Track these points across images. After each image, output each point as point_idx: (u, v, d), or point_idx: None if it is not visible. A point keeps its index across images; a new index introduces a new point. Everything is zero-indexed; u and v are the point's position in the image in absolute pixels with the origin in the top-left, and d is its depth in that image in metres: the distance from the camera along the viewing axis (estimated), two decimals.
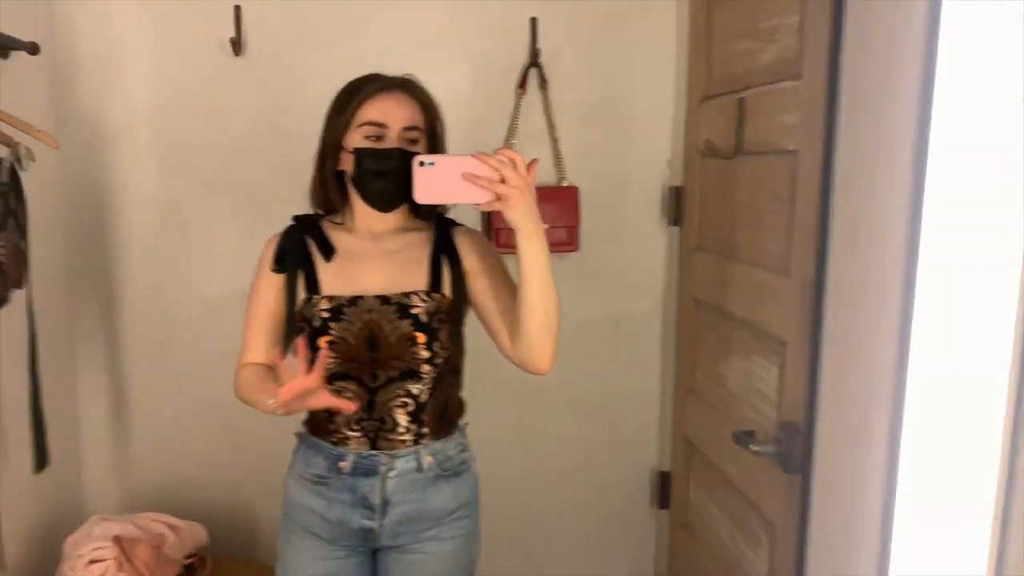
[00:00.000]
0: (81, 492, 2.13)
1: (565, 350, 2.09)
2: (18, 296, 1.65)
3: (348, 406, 1.24)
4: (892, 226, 0.89)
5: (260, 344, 1.39)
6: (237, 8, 1.94)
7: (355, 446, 1.35)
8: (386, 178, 1.29)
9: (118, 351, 2.11)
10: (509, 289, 1.34)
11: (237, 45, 1.95)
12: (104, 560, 1.70)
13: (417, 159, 1.20)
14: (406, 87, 1.35)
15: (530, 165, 1.21)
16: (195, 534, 1.90)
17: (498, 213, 1.21)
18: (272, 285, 1.39)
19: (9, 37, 1.69)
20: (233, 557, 2.06)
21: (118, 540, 1.73)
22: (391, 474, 1.35)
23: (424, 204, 1.28)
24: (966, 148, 0.83)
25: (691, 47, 1.98)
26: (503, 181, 1.17)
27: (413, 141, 1.33)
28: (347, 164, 1.34)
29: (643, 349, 2.19)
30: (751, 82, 1.62)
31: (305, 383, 1.17)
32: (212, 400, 2.09)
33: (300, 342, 1.22)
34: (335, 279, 1.35)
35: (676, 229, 2.10)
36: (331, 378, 1.32)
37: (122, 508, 2.11)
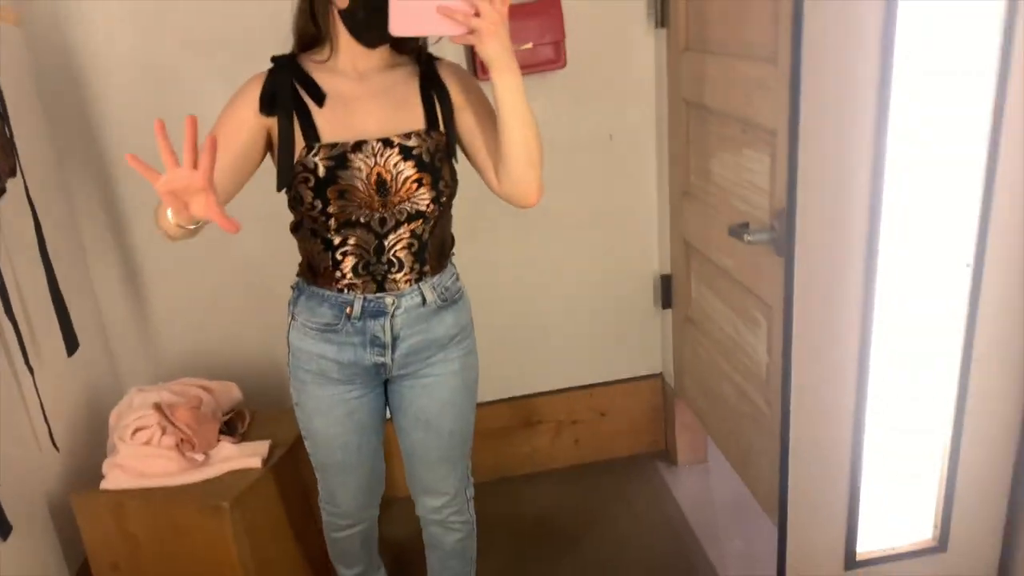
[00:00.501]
0: (113, 369, 2.21)
1: (562, 168, 2.16)
2: (13, 185, 1.66)
3: (229, 227, 1.07)
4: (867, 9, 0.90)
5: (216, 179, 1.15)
6: None
7: (361, 291, 1.38)
8: (380, 12, 1.22)
9: (122, 226, 2.11)
10: (494, 123, 1.33)
11: None
12: (148, 427, 1.77)
13: None
14: None
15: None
16: (229, 392, 1.97)
17: None
18: (248, 125, 1.31)
19: None
20: (268, 406, 2.15)
21: (158, 407, 1.80)
22: (398, 311, 1.40)
23: (400, 37, 1.26)
24: None
25: None
26: (477, 15, 1.17)
27: None
28: None
29: (638, 158, 2.22)
30: None
31: (190, 178, 1.05)
32: (223, 260, 2.14)
33: (189, 121, 1.04)
34: (333, 125, 1.32)
35: (663, 31, 2.06)
36: (340, 227, 1.33)
37: (155, 379, 2.18)
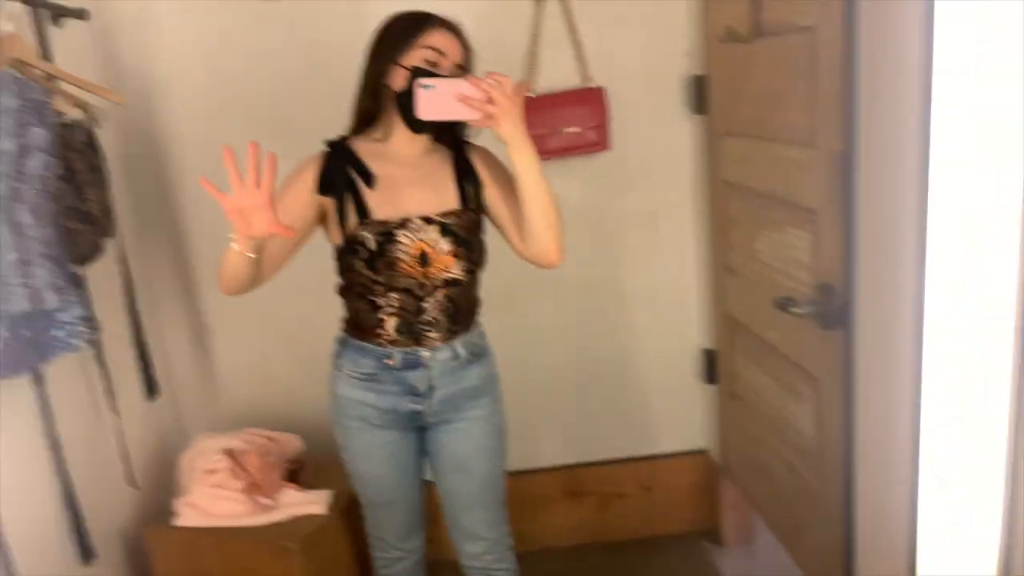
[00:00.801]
0: (179, 416, 2.36)
1: (606, 243, 2.27)
2: (110, 246, 1.83)
3: (286, 232, 1.30)
4: (910, 91, 0.99)
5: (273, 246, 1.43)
6: None
7: (401, 345, 1.54)
8: None
9: (193, 289, 2.29)
10: (515, 196, 1.49)
11: None
12: (219, 471, 1.92)
13: (419, 81, 1.39)
14: (459, 32, 1.50)
15: (517, 86, 1.39)
16: (292, 443, 2.12)
17: None
18: (303, 200, 1.49)
19: (60, 5, 1.80)
20: (327, 456, 2.26)
21: (229, 452, 1.94)
22: (433, 364, 1.56)
23: (426, 121, 1.43)
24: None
25: None
26: (491, 101, 1.35)
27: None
28: (399, 80, 1.46)
29: (679, 235, 2.32)
30: None
31: (253, 195, 1.26)
32: (285, 322, 2.29)
33: (252, 146, 1.25)
34: (382, 204, 1.50)
35: (700, 117, 2.18)
36: (386, 291, 1.51)
37: (216, 428, 2.31)
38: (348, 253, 1.51)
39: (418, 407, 1.59)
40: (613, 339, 2.38)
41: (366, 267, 1.49)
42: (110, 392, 1.87)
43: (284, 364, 2.34)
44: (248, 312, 2.28)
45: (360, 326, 1.57)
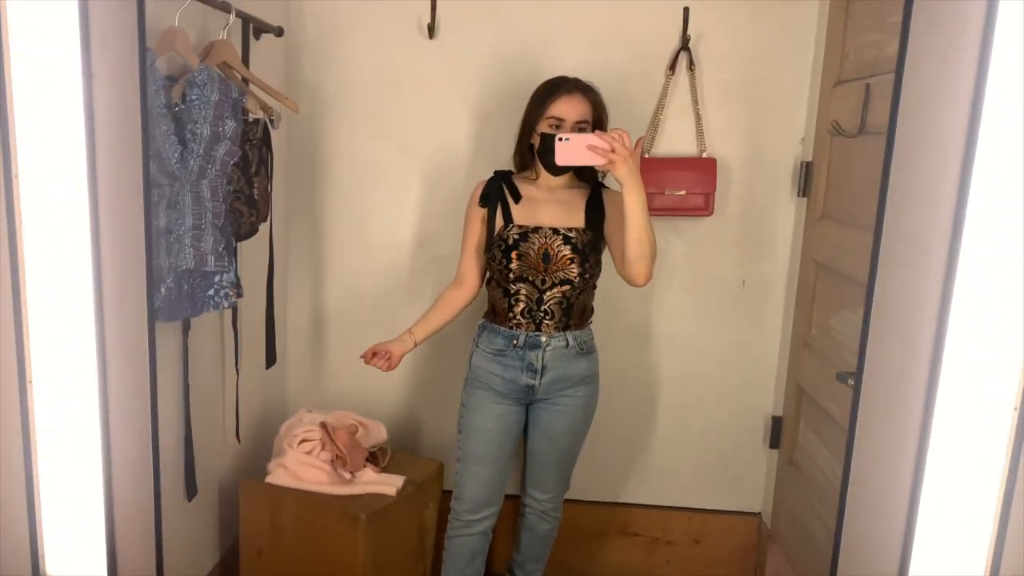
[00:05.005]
0: (285, 391, 2.64)
1: (697, 301, 2.43)
2: (263, 228, 2.13)
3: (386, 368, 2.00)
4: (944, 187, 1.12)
5: (470, 261, 2.04)
6: None
7: (525, 329, 1.94)
8: (552, 153, 1.81)
9: (321, 280, 2.58)
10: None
11: (432, 29, 2.35)
12: (312, 440, 2.16)
13: (558, 136, 1.79)
14: (584, 90, 1.93)
15: (636, 142, 1.79)
16: (378, 430, 2.33)
17: None
18: (478, 216, 2.01)
19: (263, 22, 2.15)
20: (403, 450, 2.51)
21: (324, 425, 2.19)
22: (548, 348, 1.96)
23: (563, 165, 1.84)
24: None
25: (828, 36, 2.19)
26: (614, 151, 1.72)
27: (582, 128, 1.90)
28: (536, 139, 1.93)
29: (766, 306, 2.44)
30: (877, 70, 1.83)
31: (384, 365, 1.98)
32: (392, 326, 2.52)
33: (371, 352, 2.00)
34: (523, 214, 1.96)
35: (803, 200, 2.33)
36: (514, 280, 1.93)
37: (317, 405, 2.58)
38: (494, 246, 1.94)
39: (533, 382, 1.97)
40: (691, 392, 2.51)
41: (502, 255, 1.92)
42: (236, 353, 2.15)
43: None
44: (363, 310, 2.56)
45: (496, 310, 2.00)
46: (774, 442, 2.44)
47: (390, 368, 1.98)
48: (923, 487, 1.10)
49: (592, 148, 1.74)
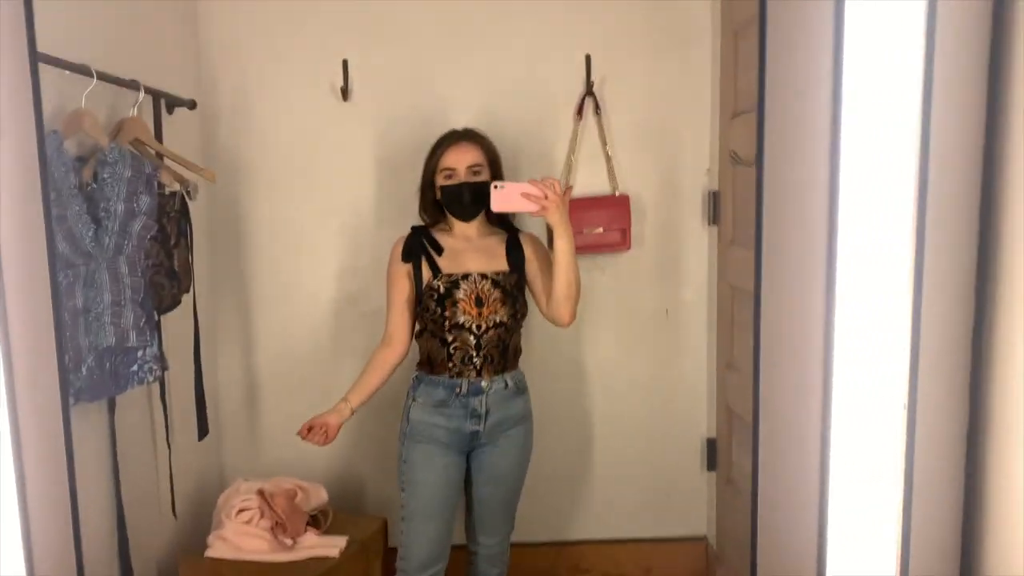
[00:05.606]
0: (221, 461, 2.59)
1: (623, 335, 2.49)
2: (186, 299, 2.12)
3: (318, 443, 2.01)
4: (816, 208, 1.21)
5: (399, 318, 2.04)
6: (345, 62, 2.38)
7: (466, 376, 1.96)
8: (460, 201, 2.00)
9: (250, 346, 2.56)
10: (548, 271, 2.00)
11: (345, 92, 2.40)
12: (250, 508, 2.11)
13: (493, 183, 1.89)
14: (470, 137, 2.03)
15: (566, 190, 1.92)
16: (318, 493, 2.29)
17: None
18: (402, 272, 2.02)
19: (175, 96, 2.17)
20: (346, 510, 2.46)
21: (261, 492, 2.14)
22: (490, 392, 1.99)
23: (497, 212, 1.95)
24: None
25: (723, 73, 2.32)
26: (547, 198, 1.83)
27: (476, 172, 2.00)
28: (439, 194, 2.01)
29: (691, 332, 2.53)
30: None
31: (322, 440, 1.98)
32: (326, 387, 2.51)
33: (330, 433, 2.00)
34: (449, 264, 2.00)
35: (715, 227, 2.43)
36: (450, 328, 1.95)
37: (253, 474, 2.53)
38: (426, 297, 1.97)
39: (477, 427, 1.99)
40: (626, 423, 2.56)
41: (436, 305, 1.95)
42: (167, 427, 2.12)
43: None
44: (296, 372, 2.55)
45: (433, 362, 2.00)
46: (711, 464, 2.50)
47: (327, 441, 1.98)
48: (829, 490, 1.16)
49: (526, 195, 1.85)
